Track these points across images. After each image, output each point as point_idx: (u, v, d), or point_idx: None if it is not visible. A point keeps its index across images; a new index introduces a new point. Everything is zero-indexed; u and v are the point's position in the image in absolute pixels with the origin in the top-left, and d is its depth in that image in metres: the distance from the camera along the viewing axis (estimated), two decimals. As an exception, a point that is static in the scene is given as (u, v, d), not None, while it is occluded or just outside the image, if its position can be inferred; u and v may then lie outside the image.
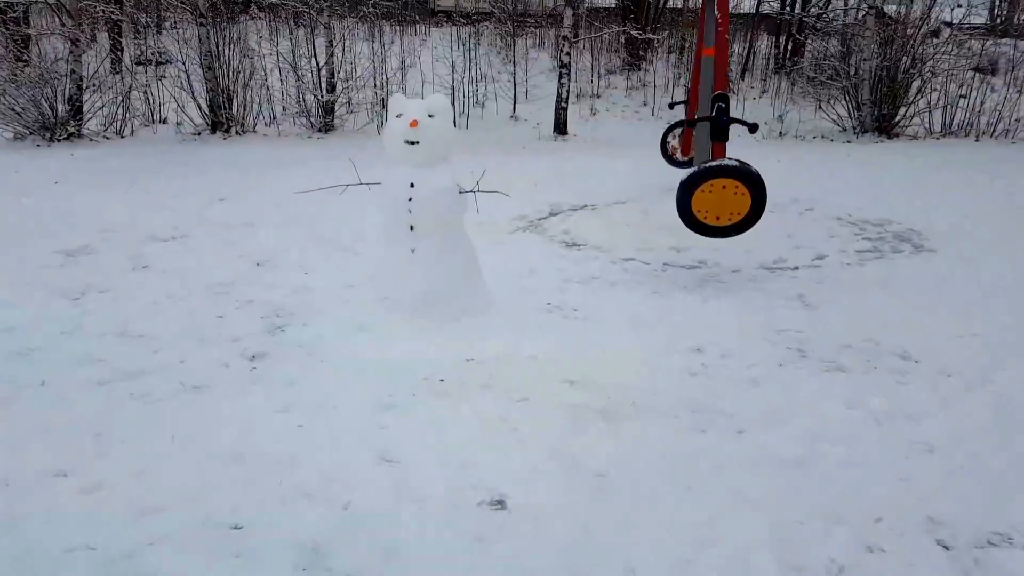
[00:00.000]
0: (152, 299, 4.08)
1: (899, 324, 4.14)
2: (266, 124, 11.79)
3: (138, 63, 12.75)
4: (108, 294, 4.15)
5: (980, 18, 15.06)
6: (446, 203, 3.63)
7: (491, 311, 3.91)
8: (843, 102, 12.50)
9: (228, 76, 10.93)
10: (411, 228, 3.64)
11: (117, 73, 11.60)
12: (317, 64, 11.48)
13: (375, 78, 12.60)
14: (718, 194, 4.55)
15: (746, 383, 3.40)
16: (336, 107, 11.80)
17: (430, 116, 3.56)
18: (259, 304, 4.10)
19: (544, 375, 3.34)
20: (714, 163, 4.57)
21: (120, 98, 10.67)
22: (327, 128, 11.58)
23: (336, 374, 3.24)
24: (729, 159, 4.60)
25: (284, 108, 11.92)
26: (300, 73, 11.47)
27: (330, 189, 3.91)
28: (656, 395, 3.23)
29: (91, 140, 10.22)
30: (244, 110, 11.17)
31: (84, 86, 10.29)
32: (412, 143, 3.53)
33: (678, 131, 7.93)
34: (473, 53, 13.87)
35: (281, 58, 11.78)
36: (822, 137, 12.32)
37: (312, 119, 11.51)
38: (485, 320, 3.81)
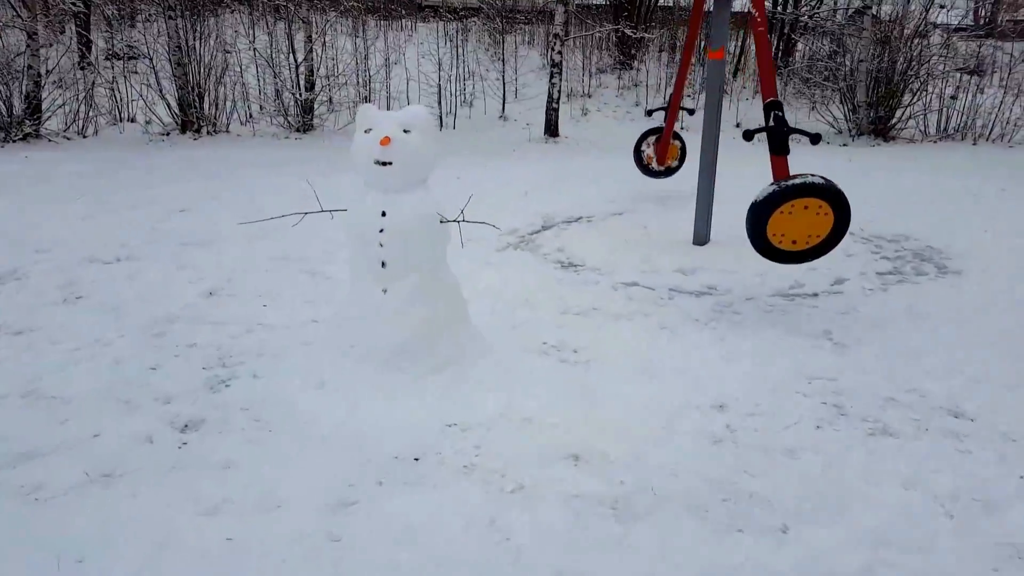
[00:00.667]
0: (75, 344, 3.40)
1: (942, 369, 3.54)
2: (241, 123, 11.04)
3: (108, 58, 11.94)
4: (24, 337, 3.46)
5: (965, 19, 14.60)
6: (424, 235, 2.98)
7: (478, 357, 3.26)
8: (838, 104, 11.97)
9: (199, 72, 10.17)
10: (383, 265, 2.99)
11: (84, 68, 10.80)
12: (295, 60, 10.74)
13: (358, 75, 11.88)
14: (799, 215, 3.90)
15: (781, 454, 2.78)
16: (316, 106, 11.07)
17: (405, 132, 2.90)
18: (203, 348, 3.43)
19: (542, 447, 2.70)
20: (797, 180, 3.89)
21: (83, 95, 9.88)
22: (306, 128, 10.85)
23: (285, 451, 2.59)
24: (812, 175, 3.94)
25: (261, 107, 11.17)
26: (277, 70, 10.73)
27: (285, 215, 3.24)
28: (677, 475, 2.60)
29: (50, 141, 9.43)
30: (216, 109, 10.41)
31: (42, 82, 9.50)
32: (383, 164, 2.88)
33: (652, 139, 7.31)
34: (461, 50, 13.17)
35: (257, 54, 11.02)
36: (818, 140, 11.75)
37: (290, 118, 10.77)
38: (471, 370, 3.16)
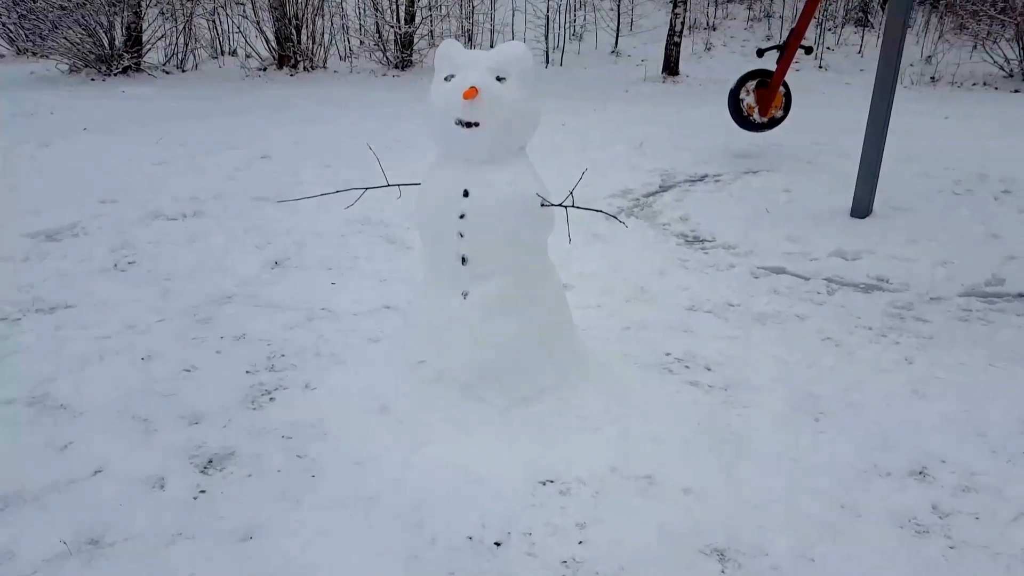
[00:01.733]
0: (107, 330, 2.87)
1: None
2: (341, 58, 10.45)
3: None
4: (55, 316, 2.97)
5: None
6: (519, 223, 2.18)
7: (581, 378, 2.48)
8: (1008, 41, 10.04)
9: (297, 3, 9.57)
10: (462, 261, 2.23)
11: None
12: (394, -11, 9.95)
13: (460, 6, 10.97)
14: None
15: (1022, 562, 1.87)
16: (415, 40, 10.29)
17: (499, 80, 2.08)
18: (252, 342, 2.82)
19: (671, 530, 1.92)
20: None
21: (182, 27, 9.53)
22: (404, 64, 10.12)
23: (325, 516, 1.93)
24: None
25: (361, 41, 10.51)
26: (376, 1, 9.98)
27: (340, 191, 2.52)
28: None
29: (150, 75, 9.17)
30: (313, 43, 9.83)
31: (143, 12, 9.19)
32: (467, 124, 2.08)
33: (753, 84, 6.00)
34: (572, -23, 11.96)
35: (356, -18, 10.31)
36: (983, 84, 9.92)
37: (388, 54, 10.06)
38: (573, 398, 2.39)
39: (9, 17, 9.14)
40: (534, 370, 2.34)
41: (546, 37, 10.81)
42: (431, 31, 10.52)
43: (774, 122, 6.13)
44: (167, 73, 9.35)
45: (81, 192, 4.49)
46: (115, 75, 8.87)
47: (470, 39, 10.79)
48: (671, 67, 10.04)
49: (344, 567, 1.77)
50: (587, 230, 4.13)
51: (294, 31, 9.62)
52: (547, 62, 10.67)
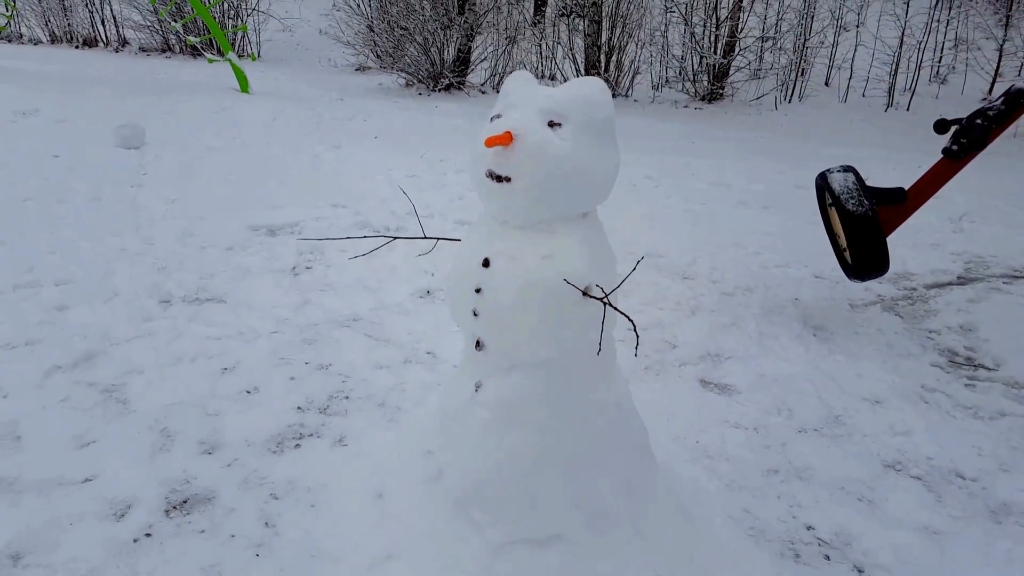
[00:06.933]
0: (219, 332, 2.96)
1: None
2: (653, 87, 10.19)
3: (562, 15, 12.24)
4: (196, 308, 3.17)
5: None
6: (546, 310, 1.65)
7: (631, 531, 1.83)
8: None
9: (613, 29, 9.58)
10: (476, 344, 1.78)
11: (537, 24, 11.23)
12: (717, 19, 9.35)
13: (798, 37, 9.91)
14: None
15: None
16: (731, 71, 9.57)
17: (552, 125, 1.60)
18: (330, 376, 2.68)
19: None
20: None
21: (502, 50, 10.20)
22: (713, 96, 9.47)
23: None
24: None
25: (675, 70, 10.14)
26: (691, 25, 9.49)
27: (371, 240, 2.21)
28: None
29: (467, 94, 9.98)
30: (620, 71, 9.73)
31: (473, 34, 10.04)
32: (497, 178, 1.63)
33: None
34: (951, 6, 9.99)
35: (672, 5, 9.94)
36: None
37: (696, 84, 9.51)
38: (602, 556, 1.76)
39: (376, 35, 10.65)
40: (551, 504, 1.77)
41: (892, 75, 9.19)
42: (760, 55, 9.64)
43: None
44: (483, 93, 10.09)
45: (324, 193, 4.92)
46: (439, 91, 9.83)
47: (800, 73, 9.66)
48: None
49: None
50: (767, 349, 3.24)
51: (604, 56, 9.63)
52: (889, 104, 9.06)
